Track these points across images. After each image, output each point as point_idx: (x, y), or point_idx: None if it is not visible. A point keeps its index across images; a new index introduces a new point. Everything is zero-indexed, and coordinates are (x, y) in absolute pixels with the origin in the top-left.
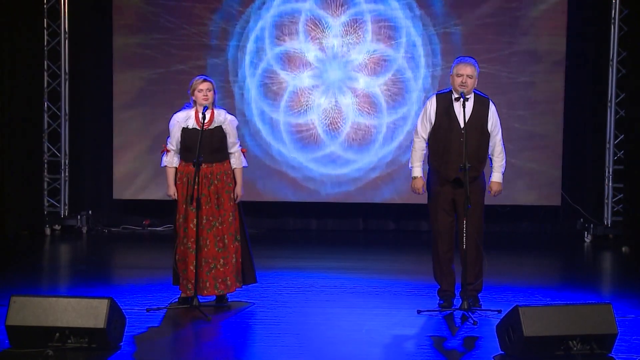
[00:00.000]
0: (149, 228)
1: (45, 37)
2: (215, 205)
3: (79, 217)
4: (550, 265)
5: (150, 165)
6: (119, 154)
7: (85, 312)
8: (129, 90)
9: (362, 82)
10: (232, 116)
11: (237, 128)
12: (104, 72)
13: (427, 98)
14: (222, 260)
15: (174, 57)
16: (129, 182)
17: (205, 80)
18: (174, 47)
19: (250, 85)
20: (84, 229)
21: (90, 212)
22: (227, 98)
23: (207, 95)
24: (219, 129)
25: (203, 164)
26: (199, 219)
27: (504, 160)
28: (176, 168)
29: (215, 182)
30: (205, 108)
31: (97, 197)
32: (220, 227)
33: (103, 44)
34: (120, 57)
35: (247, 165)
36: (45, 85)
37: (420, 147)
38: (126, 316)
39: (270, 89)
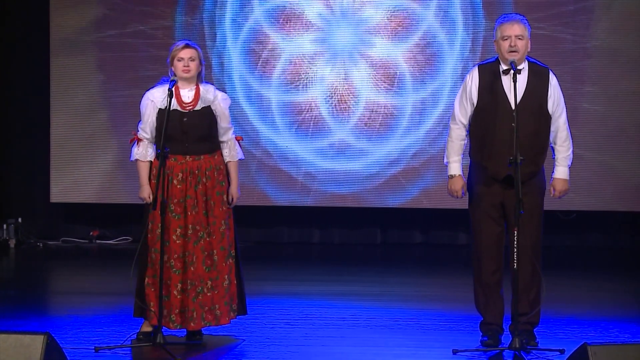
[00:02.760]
0: (97, 241)
1: None
2: (203, 211)
3: (4, 226)
4: (628, 291)
5: (99, 160)
6: (58, 145)
7: (13, 352)
8: (71, 61)
9: (380, 47)
10: (224, 93)
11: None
12: (38, 34)
13: (467, 71)
14: (209, 283)
15: (130, 15)
16: (71, 182)
17: (187, 45)
18: (131, 2)
19: (233, 51)
20: (12, 242)
21: (20, 220)
22: None
23: (188, 66)
24: (207, 110)
25: (187, 157)
26: (184, 228)
27: (571, 150)
28: (151, 162)
29: (204, 180)
30: (173, 83)
31: (29, 201)
32: (208, 240)
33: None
34: (58, 15)
35: (243, 157)
36: None
37: (458, 137)
38: (68, 358)
39: (258, 57)
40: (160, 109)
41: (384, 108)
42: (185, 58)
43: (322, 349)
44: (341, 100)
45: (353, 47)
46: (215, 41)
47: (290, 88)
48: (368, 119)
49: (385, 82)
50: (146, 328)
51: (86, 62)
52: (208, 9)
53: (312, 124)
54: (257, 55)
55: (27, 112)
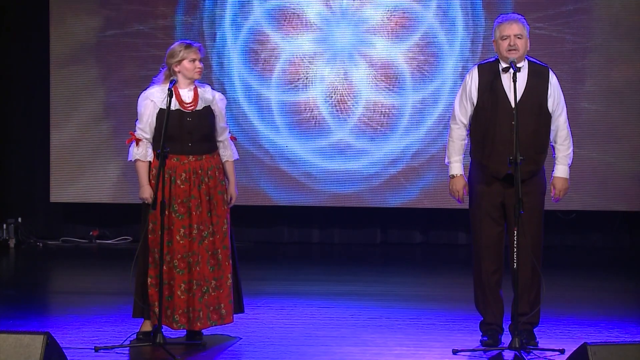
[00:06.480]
0: (97, 240)
1: None
2: (207, 211)
3: (4, 226)
4: (628, 291)
5: (99, 160)
6: (58, 145)
7: (13, 352)
8: (71, 61)
9: (380, 47)
10: (220, 93)
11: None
12: (38, 34)
13: (467, 70)
14: (214, 282)
15: (130, 14)
16: (71, 182)
17: (199, 48)
18: (131, 2)
19: (232, 51)
20: (12, 242)
21: (19, 219)
22: None
23: (201, 67)
24: (208, 110)
25: (190, 157)
26: (188, 228)
27: (571, 149)
28: (150, 162)
29: (206, 179)
30: (173, 82)
31: (28, 201)
32: (212, 239)
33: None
34: (58, 15)
35: (238, 157)
36: None
37: (459, 136)
38: (68, 358)
39: (258, 57)
40: (161, 109)
41: (384, 108)
42: (197, 59)
43: (322, 349)
44: (341, 100)
45: (353, 47)
46: (215, 41)
47: (290, 88)
48: (368, 119)
49: (385, 82)
50: (146, 328)
51: (86, 62)
52: (208, 9)
53: (312, 124)
54: (257, 55)
55: (27, 111)
